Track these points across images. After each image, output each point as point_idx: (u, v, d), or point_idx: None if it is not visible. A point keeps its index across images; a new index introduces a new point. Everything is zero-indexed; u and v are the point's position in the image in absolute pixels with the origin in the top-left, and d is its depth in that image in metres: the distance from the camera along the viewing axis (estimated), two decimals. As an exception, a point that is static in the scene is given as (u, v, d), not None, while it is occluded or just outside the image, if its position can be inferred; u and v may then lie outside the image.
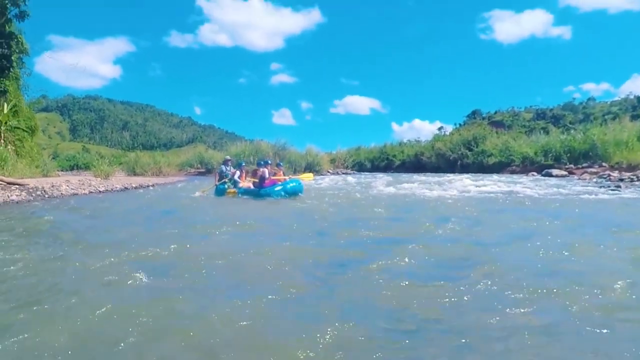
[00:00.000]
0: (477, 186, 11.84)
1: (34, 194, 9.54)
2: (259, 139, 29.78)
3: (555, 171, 17.76)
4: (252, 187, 9.79)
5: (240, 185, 10.06)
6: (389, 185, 12.96)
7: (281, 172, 10.48)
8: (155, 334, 2.03)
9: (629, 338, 1.99)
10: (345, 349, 1.88)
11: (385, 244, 4.01)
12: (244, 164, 11.28)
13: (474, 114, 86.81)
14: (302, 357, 1.80)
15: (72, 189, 11.15)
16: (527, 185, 11.96)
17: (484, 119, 79.62)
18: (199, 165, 28.68)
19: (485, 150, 27.40)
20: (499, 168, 24.48)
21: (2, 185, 9.98)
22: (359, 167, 35.78)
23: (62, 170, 27.83)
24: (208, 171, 26.04)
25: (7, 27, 16.19)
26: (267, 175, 9.33)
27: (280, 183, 9.35)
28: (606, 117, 41.56)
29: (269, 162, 10.40)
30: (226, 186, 10.19)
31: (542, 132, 31.10)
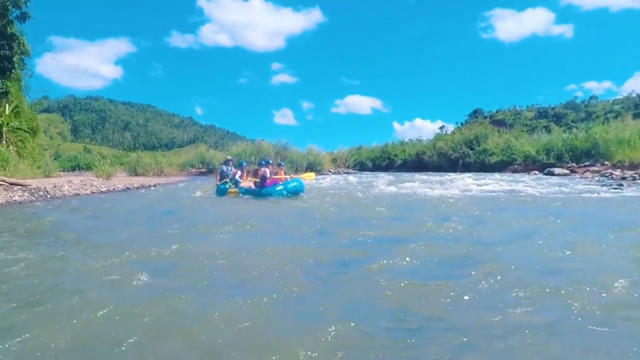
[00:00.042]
0: (478, 185, 11.82)
1: (36, 195, 9.57)
2: (260, 139, 29.84)
3: (557, 170, 17.71)
4: (253, 186, 9.80)
5: (242, 185, 10.07)
6: (391, 185, 12.95)
7: (282, 172, 10.48)
8: (157, 333, 2.03)
9: (631, 336, 1.98)
10: (347, 348, 1.87)
11: (387, 243, 4.01)
12: (245, 164, 11.28)
13: (475, 113, 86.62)
14: (303, 356, 1.80)
15: (74, 189, 11.18)
16: (529, 184, 11.93)
17: (485, 117, 79.43)
18: (200, 165, 28.73)
19: (487, 149, 27.34)
20: (501, 167, 24.43)
21: (4, 186, 10.02)
22: (361, 167, 35.76)
23: (63, 171, 27.92)
24: (209, 171, 26.08)
25: (8, 29, 16.24)
26: (268, 175, 9.33)
27: (281, 183, 9.35)
28: (608, 115, 41.39)
29: (270, 161, 10.40)
30: (227, 186, 10.20)
31: (544, 130, 30.99)
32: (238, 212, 6.97)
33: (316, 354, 1.82)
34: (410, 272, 2.98)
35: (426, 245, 3.84)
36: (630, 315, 2.20)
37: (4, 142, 15.95)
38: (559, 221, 5.18)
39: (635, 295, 2.47)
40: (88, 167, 32.21)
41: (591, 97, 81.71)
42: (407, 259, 3.37)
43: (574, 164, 19.28)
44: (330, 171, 28.49)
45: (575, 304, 2.32)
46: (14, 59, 16.73)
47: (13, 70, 17.06)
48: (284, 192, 8.98)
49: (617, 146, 17.72)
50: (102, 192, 11.75)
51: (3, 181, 10.26)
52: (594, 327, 2.04)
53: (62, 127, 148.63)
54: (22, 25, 17.06)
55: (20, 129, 17.31)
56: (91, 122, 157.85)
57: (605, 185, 11.26)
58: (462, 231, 4.65)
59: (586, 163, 18.80)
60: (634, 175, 13.03)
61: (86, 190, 11.45)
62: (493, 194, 9.47)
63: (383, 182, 14.27)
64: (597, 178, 14.29)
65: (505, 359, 1.78)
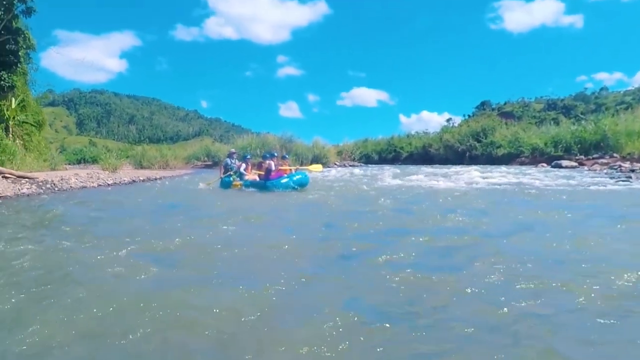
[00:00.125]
0: (485, 178, 11.74)
1: (43, 187, 9.66)
2: (265, 132, 29.82)
3: (565, 162, 17.52)
4: (257, 179, 9.80)
5: (246, 177, 10.07)
6: (396, 177, 12.90)
7: (287, 165, 10.46)
8: (164, 325, 2.04)
9: (638, 329, 1.95)
10: (351, 339, 1.87)
11: (391, 236, 4.00)
12: (249, 157, 11.28)
13: (483, 105, 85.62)
14: (308, 346, 1.80)
15: (81, 182, 11.27)
16: (536, 177, 11.82)
17: (493, 110, 78.55)
18: (205, 158, 28.82)
19: (494, 142, 27.11)
20: (508, 159, 24.23)
21: (12, 179, 10.13)
22: (366, 159, 35.67)
23: (69, 164, 28.08)
24: (215, 164, 26.14)
25: (14, 23, 16.26)
26: (273, 168, 9.32)
27: (286, 175, 9.34)
28: (619, 107, 40.67)
29: (275, 154, 10.39)
30: (232, 179, 10.21)
31: (552, 122, 30.62)
32: (243, 205, 6.98)
33: (321, 344, 1.81)
34: (415, 264, 2.97)
35: (431, 237, 3.82)
36: (637, 308, 2.17)
37: (10, 135, 16.09)
38: (565, 214, 5.12)
39: (643, 288, 2.44)
40: (94, 160, 32.45)
41: (602, 89, 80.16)
42: (412, 251, 3.35)
43: (582, 157, 19.07)
44: (335, 164, 28.43)
45: (581, 297, 2.30)
46: (19, 53, 16.78)
47: (19, 65, 17.12)
48: (289, 185, 8.97)
49: (626, 138, 17.46)
50: (108, 184, 11.83)
51: (11, 174, 10.37)
52: (600, 320, 2.02)
53: (67, 120, 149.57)
54: (27, 19, 17.08)
55: (26, 122, 17.45)
56: (96, 115, 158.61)
57: (614, 177, 11.11)
58: (467, 223, 4.62)
59: (595, 155, 18.57)
60: (644, 167, 12.85)
61: (93, 183, 11.53)
62: (499, 186, 9.39)
63: (388, 175, 14.22)
64: (605, 170, 14.13)
65: (510, 351, 1.76)
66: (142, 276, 2.80)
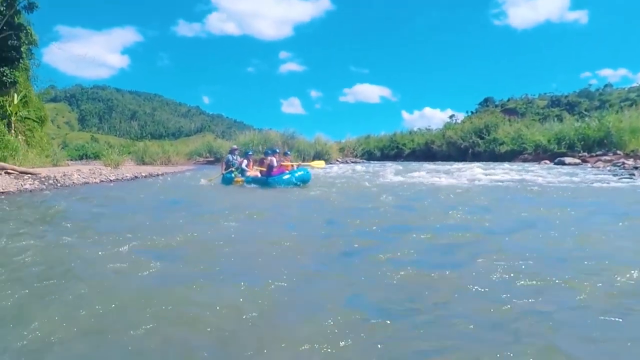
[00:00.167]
0: (487, 174, 11.70)
1: (46, 183, 9.68)
2: (267, 128, 29.80)
3: (568, 159, 17.44)
4: (259, 175, 9.79)
5: (248, 174, 10.06)
6: (398, 174, 12.87)
7: (289, 161, 10.44)
8: (166, 321, 2.04)
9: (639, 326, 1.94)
10: (353, 336, 1.86)
11: (393, 233, 3.99)
12: (251, 153, 11.27)
13: (486, 102, 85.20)
14: (310, 343, 1.79)
15: (83, 178, 11.30)
16: (539, 174, 11.76)
17: (496, 106, 78.17)
18: (207, 155, 28.84)
19: (497, 139, 27.00)
20: (511, 156, 24.13)
21: (15, 175, 10.16)
22: (369, 156, 35.61)
23: (71, 160, 28.19)
24: (217, 160, 26.16)
25: (16, 19, 16.27)
26: (275, 164, 9.31)
27: (288, 171, 9.33)
28: (623, 104, 40.36)
29: (277, 150, 10.37)
30: (233, 175, 10.20)
31: (556, 119, 30.43)
32: (245, 201, 6.98)
33: (322, 341, 1.81)
34: (417, 261, 2.96)
35: (433, 234, 3.81)
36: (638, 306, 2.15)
37: (12, 131, 16.14)
38: (567, 211, 5.10)
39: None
40: (95, 156, 32.53)
41: (606, 85, 79.59)
42: (414, 248, 3.34)
43: (585, 154, 18.97)
44: (337, 160, 28.40)
45: (584, 294, 2.29)
46: (21, 49, 16.80)
47: (21, 60, 17.15)
48: (291, 181, 8.96)
49: (630, 135, 17.36)
50: (110, 180, 11.86)
51: (13, 170, 10.40)
52: (602, 317, 2.01)
53: (69, 116, 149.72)
54: (29, 15, 17.10)
55: (28, 118, 17.49)
56: (98, 111, 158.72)
57: (617, 174, 11.05)
58: (469, 220, 4.60)
59: (598, 152, 18.48)
60: (647, 164, 12.78)
61: (95, 179, 11.55)
62: (501, 183, 9.36)
63: (390, 172, 14.19)
64: (608, 168, 14.06)
65: (512, 348, 1.75)
66: (144, 272, 2.80)
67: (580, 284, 2.42)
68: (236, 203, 6.70)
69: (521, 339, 1.82)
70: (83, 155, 38.53)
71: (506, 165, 17.40)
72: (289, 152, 12.05)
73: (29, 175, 10.32)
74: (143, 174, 14.46)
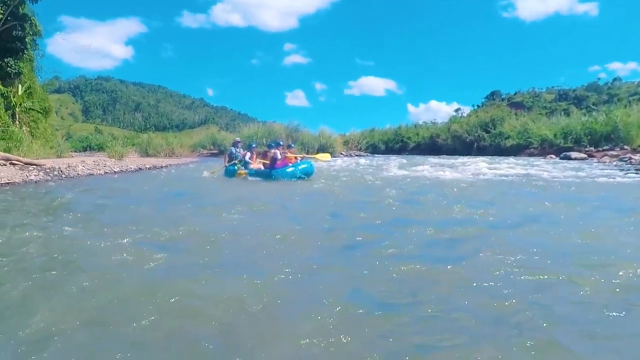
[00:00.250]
0: (492, 169, 11.62)
1: (51, 174, 9.73)
2: (271, 120, 29.72)
3: (574, 154, 17.29)
4: (262, 168, 9.78)
5: (251, 166, 10.05)
6: (402, 168, 12.82)
7: (292, 153, 10.41)
8: (168, 313, 2.04)
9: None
10: (356, 329, 1.86)
11: (396, 226, 3.98)
12: (254, 145, 11.25)
13: (492, 95, 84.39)
14: (311, 336, 1.79)
15: (87, 169, 11.34)
16: (544, 168, 11.67)
17: (503, 100, 77.44)
18: (211, 147, 28.85)
19: (502, 133, 26.81)
20: (517, 151, 23.97)
21: (19, 166, 10.22)
22: (373, 149, 35.49)
23: (75, 151, 28.21)
24: (221, 152, 26.16)
25: (20, 9, 16.22)
26: (279, 157, 9.29)
27: (291, 164, 9.30)
28: (632, 98, 39.82)
29: (281, 143, 10.34)
30: (236, 167, 10.19)
31: (563, 113, 30.11)
32: (248, 194, 6.98)
33: (324, 334, 1.81)
34: (419, 255, 2.95)
35: (436, 228, 3.79)
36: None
37: (17, 122, 16.18)
38: (572, 206, 5.06)
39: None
40: (99, 148, 32.62)
41: (615, 79, 78.27)
42: (416, 242, 3.33)
43: (592, 148, 18.80)
44: (341, 153, 28.32)
45: (587, 290, 2.28)
46: (26, 40, 16.77)
47: (25, 51, 17.13)
48: (295, 174, 8.94)
49: (638, 130, 17.17)
50: (115, 172, 11.90)
51: (18, 161, 10.46)
52: (605, 313, 2.00)
53: (73, 107, 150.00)
54: (33, 5, 17.04)
55: (32, 109, 17.52)
56: (102, 102, 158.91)
57: (623, 169, 10.95)
58: (473, 215, 4.58)
59: (605, 147, 18.30)
60: (655, 160, 12.62)
61: (99, 170, 11.60)
62: (506, 177, 9.29)
63: (394, 165, 14.14)
64: (615, 162, 13.92)
65: (514, 342, 1.74)
66: (147, 264, 2.80)
67: (583, 279, 2.41)
68: (239, 195, 6.70)
69: (523, 334, 1.81)
70: (87, 147, 38.63)
71: (511, 159, 17.27)
72: (292, 145, 12.01)
73: (34, 166, 10.37)
74: (147, 166, 14.50)
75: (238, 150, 10.79)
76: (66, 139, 27.63)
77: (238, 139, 12.09)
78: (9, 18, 15.52)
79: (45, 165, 10.67)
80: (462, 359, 1.65)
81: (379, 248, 3.16)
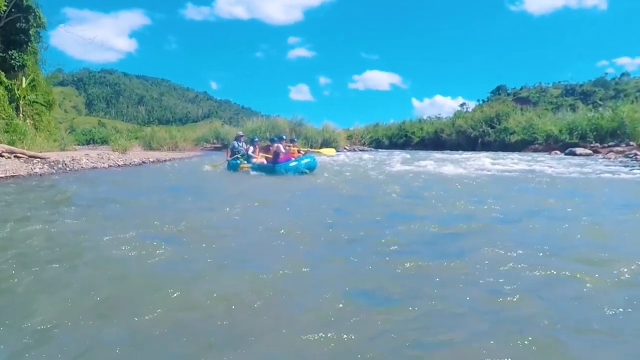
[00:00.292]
0: (495, 164, 11.56)
1: (55, 167, 9.78)
2: (275, 115, 29.69)
3: (579, 150, 17.17)
4: (265, 162, 9.78)
5: (254, 160, 10.05)
6: (405, 163, 12.78)
7: (295, 148, 10.40)
8: (170, 306, 2.05)
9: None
10: (357, 324, 1.86)
11: (398, 221, 3.97)
12: (257, 139, 11.24)
13: (498, 90, 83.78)
14: (313, 330, 1.80)
15: (91, 162, 11.39)
16: (548, 164, 11.61)
17: (509, 95, 76.89)
18: (214, 141, 28.90)
19: (507, 128, 26.66)
20: (522, 146, 23.83)
21: (24, 159, 10.27)
22: (377, 144, 35.43)
23: (78, 145, 28.25)
24: (224, 146, 26.13)
25: (24, 1, 16.18)
26: (283, 150, 9.27)
27: (294, 159, 9.29)
28: (639, 94, 39.36)
29: (284, 137, 10.33)
30: (239, 161, 10.20)
31: (569, 109, 29.86)
32: (251, 188, 6.99)
33: (325, 329, 1.81)
34: (420, 251, 2.94)
35: (438, 223, 3.79)
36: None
37: (21, 115, 16.22)
38: (575, 202, 5.04)
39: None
40: (103, 141, 32.71)
41: (623, 74, 77.18)
42: (418, 237, 3.33)
43: (597, 144, 18.65)
44: (345, 148, 28.28)
45: (590, 286, 2.27)
46: (30, 32, 16.75)
47: (29, 43, 17.11)
48: (298, 168, 8.93)
49: (644, 126, 16.97)
50: (119, 165, 11.94)
51: (23, 154, 10.51)
52: (607, 310, 1.99)
53: (76, 100, 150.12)
54: (38, -4, 16.98)
55: (36, 102, 17.52)
56: (105, 95, 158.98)
57: (628, 166, 10.86)
58: (475, 210, 4.56)
59: (610, 143, 18.15)
60: (661, 156, 12.50)
61: (103, 163, 11.64)
62: (509, 173, 9.25)
63: (398, 160, 14.10)
64: (620, 159, 13.81)
65: (515, 338, 1.73)
66: (150, 258, 2.82)
67: (586, 276, 2.40)
68: (242, 190, 6.71)
69: (525, 329, 1.81)
70: (90, 140, 38.70)
71: (515, 155, 17.19)
72: (296, 139, 12.00)
73: (38, 159, 10.42)
74: (150, 160, 14.54)
75: (240, 144, 10.79)
76: (69, 132, 27.63)
77: (240, 133, 12.09)
78: (13, 10, 15.48)
79: (49, 158, 10.72)
80: (464, 354, 1.65)
81: (381, 243, 3.16)
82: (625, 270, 2.50)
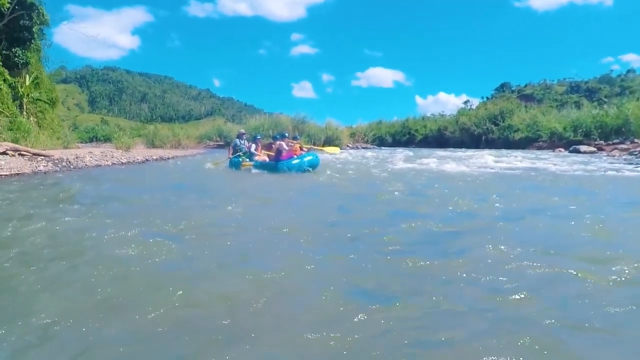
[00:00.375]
0: (498, 162, 11.51)
1: (59, 165, 9.83)
2: (278, 112, 29.70)
3: (583, 147, 17.07)
4: (267, 160, 9.77)
5: (256, 158, 10.06)
6: (407, 161, 12.75)
7: (298, 146, 10.39)
8: (173, 305, 2.06)
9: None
10: (358, 322, 1.86)
11: (400, 219, 3.95)
12: (259, 137, 11.24)
13: (502, 87, 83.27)
14: (314, 329, 1.80)
15: (95, 160, 11.43)
16: (551, 162, 11.54)
17: (513, 92, 76.43)
18: (217, 138, 28.93)
19: (511, 125, 26.55)
20: (526, 144, 23.73)
21: (28, 156, 10.32)
22: (380, 142, 35.38)
23: (81, 142, 28.33)
24: (227, 144, 26.15)
25: (28, -1, 16.19)
26: (286, 148, 9.27)
27: (296, 156, 9.29)
28: (644, 90, 39.03)
29: (286, 135, 10.32)
30: (241, 159, 10.20)
31: (574, 106, 29.68)
32: (253, 186, 7.00)
33: (325, 328, 1.81)
34: (422, 250, 2.93)
35: (440, 221, 3.78)
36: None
37: (24, 113, 16.27)
38: (578, 200, 5.02)
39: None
40: (106, 139, 32.84)
41: (628, 71, 76.43)
42: (420, 235, 3.32)
43: (602, 142, 18.53)
44: (348, 146, 28.25)
45: (592, 284, 2.26)
46: (33, 29, 16.77)
47: (33, 41, 17.14)
48: (300, 166, 8.92)
49: (650, 123, 16.83)
50: (122, 163, 11.98)
51: (27, 151, 10.56)
52: (609, 308, 1.98)
53: (79, 98, 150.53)
54: (41, -6, 16.98)
55: (40, 99, 17.56)
56: (108, 93, 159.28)
57: (632, 163, 10.79)
58: (477, 208, 4.55)
59: (615, 141, 18.02)
60: (666, 154, 12.40)
61: (107, 161, 11.68)
62: (513, 171, 9.21)
63: (401, 158, 14.07)
64: (624, 156, 13.71)
65: (516, 336, 1.73)
66: (153, 256, 2.82)
67: (589, 274, 2.39)
68: (244, 188, 6.72)
69: (527, 329, 1.80)
70: (93, 138, 38.85)
71: (519, 153, 17.10)
72: (298, 137, 11.99)
73: (42, 157, 10.47)
74: (153, 157, 14.59)
75: (242, 142, 10.79)
76: (72, 130, 27.73)
77: (242, 130, 12.08)
78: (16, 7, 15.50)
79: (53, 156, 10.77)
80: (466, 352, 1.65)
81: (383, 241, 3.15)
82: (629, 268, 2.48)
